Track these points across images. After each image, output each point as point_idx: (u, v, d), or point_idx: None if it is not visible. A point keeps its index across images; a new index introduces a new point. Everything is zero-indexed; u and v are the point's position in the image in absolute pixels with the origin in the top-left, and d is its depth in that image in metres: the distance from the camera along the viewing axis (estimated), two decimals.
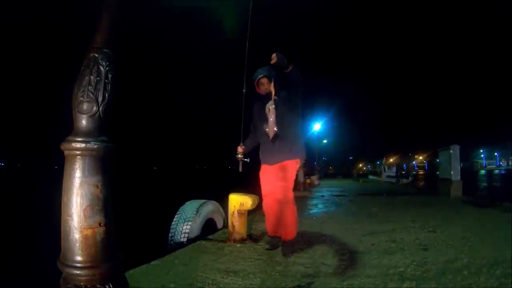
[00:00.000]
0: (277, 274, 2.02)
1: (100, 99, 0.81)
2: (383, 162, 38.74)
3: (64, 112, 0.87)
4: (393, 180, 21.48)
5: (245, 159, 2.58)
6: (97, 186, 0.78)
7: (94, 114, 0.80)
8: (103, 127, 0.82)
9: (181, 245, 3.05)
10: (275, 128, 2.31)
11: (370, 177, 32.72)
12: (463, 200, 6.48)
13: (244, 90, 2.49)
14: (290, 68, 2.30)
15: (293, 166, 2.47)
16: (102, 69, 0.81)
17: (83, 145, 0.77)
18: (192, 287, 1.83)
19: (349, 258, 2.37)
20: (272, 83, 2.42)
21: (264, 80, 2.49)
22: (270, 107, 2.30)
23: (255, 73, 2.52)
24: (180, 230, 3.19)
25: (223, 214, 3.75)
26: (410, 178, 23.69)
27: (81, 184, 0.77)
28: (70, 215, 0.76)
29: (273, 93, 2.38)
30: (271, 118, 2.30)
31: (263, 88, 2.52)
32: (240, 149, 2.55)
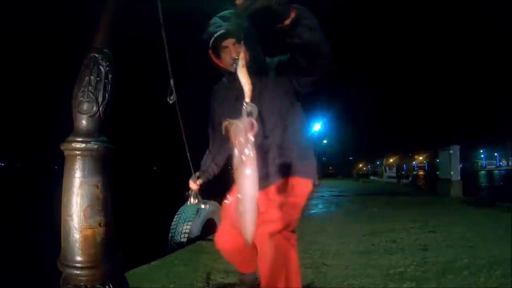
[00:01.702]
0: None
1: (100, 99, 0.81)
2: (383, 162, 38.82)
3: (64, 112, 0.87)
4: (394, 181, 21.56)
5: (204, 204, 1.52)
6: (97, 186, 0.78)
7: (94, 114, 0.80)
8: (103, 127, 0.82)
9: (181, 245, 3.06)
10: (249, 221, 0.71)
11: (371, 177, 32.76)
12: (463, 200, 6.50)
13: (172, 100, 1.13)
14: (293, 15, 0.90)
15: (304, 187, 1.28)
16: (102, 69, 0.81)
17: (83, 145, 0.77)
18: (192, 287, 1.83)
19: None
20: (244, 49, 1.12)
21: (229, 42, 1.20)
22: (242, 149, 0.67)
23: (208, 27, 1.19)
24: (180, 230, 3.19)
25: None
26: (410, 178, 23.77)
27: (81, 184, 0.77)
28: (70, 215, 0.76)
29: (247, 91, 0.83)
30: (246, 182, 0.68)
31: (227, 58, 1.23)
32: (193, 185, 1.35)
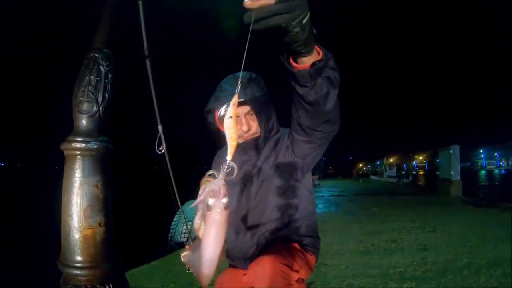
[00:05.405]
0: None
1: (100, 99, 0.81)
2: (384, 162, 38.85)
3: (64, 112, 0.87)
4: (394, 180, 21.60)
5: None
6: (97, 186, 0.78)
7: (94, 114, 0.80)
8: (103, 127, 0.82)
9: (181, 245, 3.06)
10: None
11: (372, 177, 32.74)
12: (463, 200, 6.49)
13: (162, 149, 0.92)
14: (319, 57, 0.66)
15: (303, 260, 0.99)
16: (102, 69, 0.81)
17: (83, 145, 0.77)
18: (192, 287, 1.83)
19: None
20: (260, 122, 1.03)
21: (242, 111, 1.02)
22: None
23: (220, 93, 1.04)
24: (180, 230, 3.19)
25: None
26: (410, 178, 23.82)
27: (81, 184, 0.77)
28: (70, 215, 0.76)
29: (231, 148, 0.55)
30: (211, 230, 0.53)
31: (240, 132, 1.04)
32: (185, 256, 0.84)
